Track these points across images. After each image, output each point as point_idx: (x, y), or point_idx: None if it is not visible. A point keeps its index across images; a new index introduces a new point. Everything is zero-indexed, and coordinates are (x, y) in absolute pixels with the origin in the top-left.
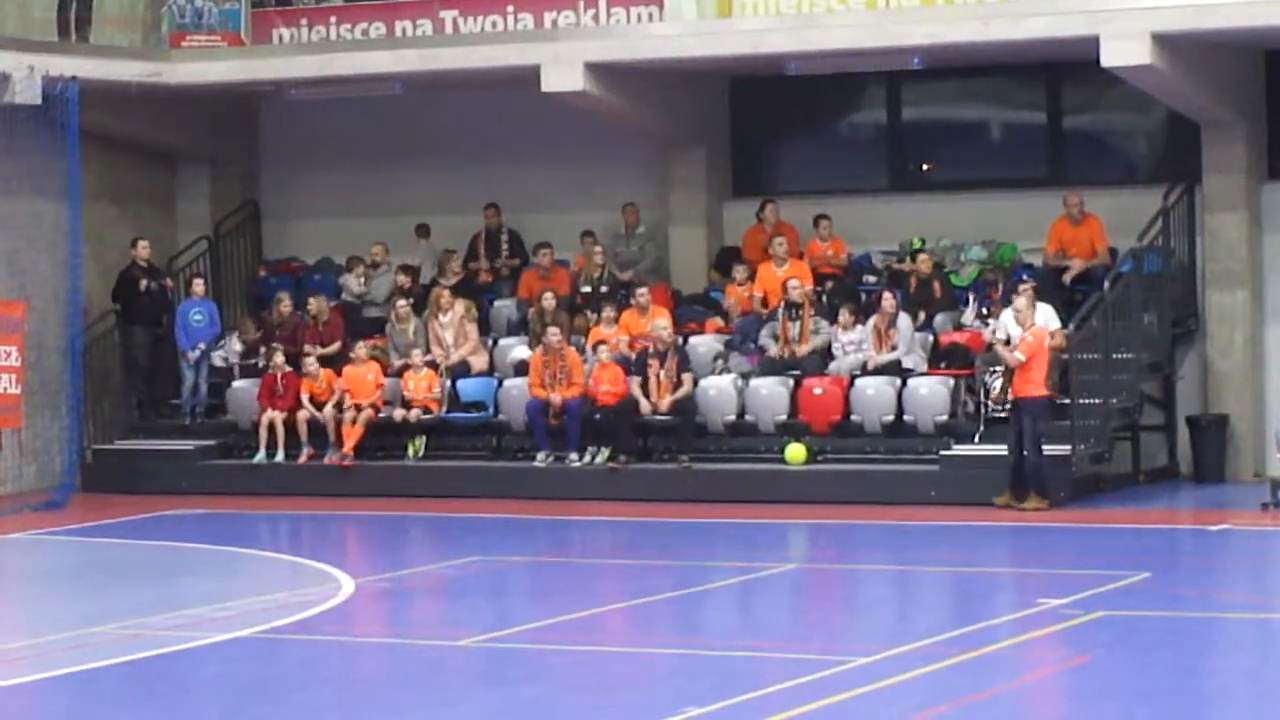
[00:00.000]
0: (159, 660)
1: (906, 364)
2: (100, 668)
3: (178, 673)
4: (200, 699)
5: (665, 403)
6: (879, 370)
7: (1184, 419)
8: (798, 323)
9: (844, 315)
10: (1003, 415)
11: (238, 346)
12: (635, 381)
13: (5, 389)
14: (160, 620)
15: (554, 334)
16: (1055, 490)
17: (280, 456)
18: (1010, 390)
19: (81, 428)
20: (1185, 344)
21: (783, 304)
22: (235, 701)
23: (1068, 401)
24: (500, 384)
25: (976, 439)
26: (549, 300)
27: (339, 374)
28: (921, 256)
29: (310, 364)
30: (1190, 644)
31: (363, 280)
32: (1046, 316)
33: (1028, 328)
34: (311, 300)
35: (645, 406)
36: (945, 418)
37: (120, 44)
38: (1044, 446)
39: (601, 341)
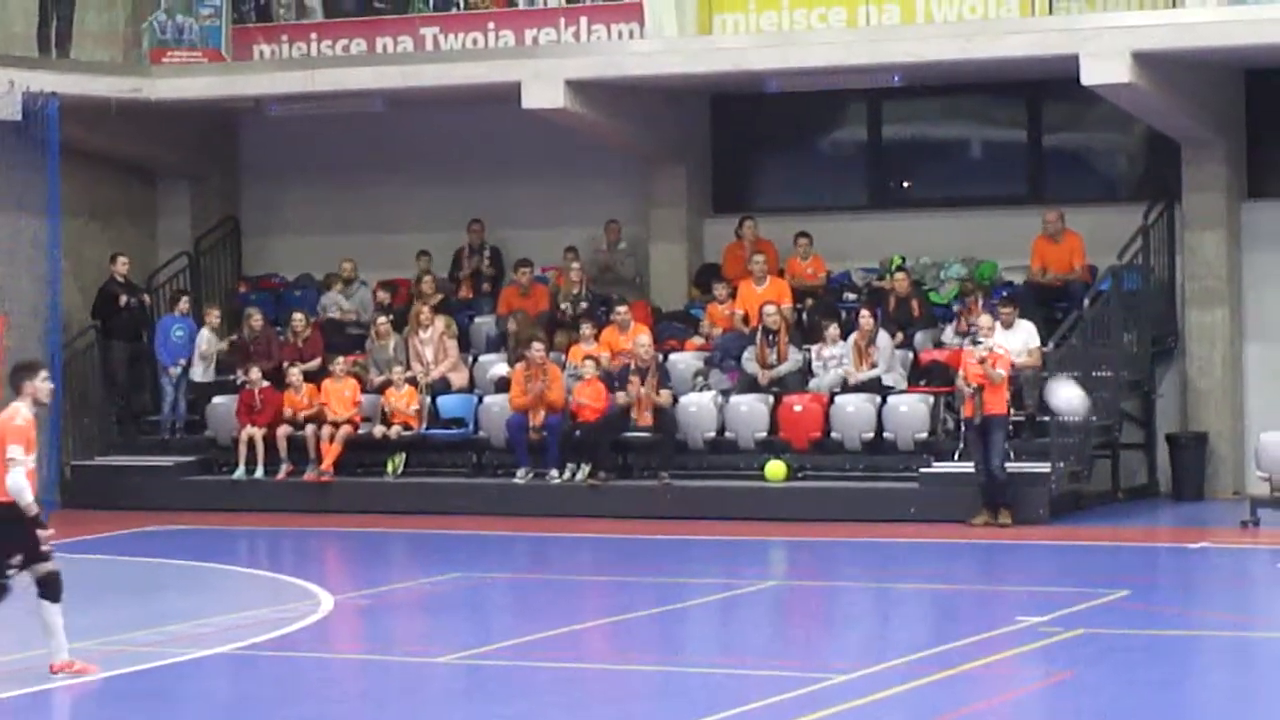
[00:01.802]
0: (139, 676)
1: (886, 381)
2: (80, 684)
3: (158, 689)
4: (180, 715)
5: (646, 420)
6: (859, 387)
7: (1164, 437)
8: (775, 349)
9: (828, 331)
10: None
11: (208, 336)
12: (617, 397)
13: None
14: (140, 636)
15: (537, 349)
16: (1034, 508)
17: (260, 473)
18: (977, 408)
19: (61, 443)
20: (1165, 362)
21: (760, 328)
22: (215, 718)
23: (1046, 419)
24: (480, 400)
25: (956, 456)
26: (532, 317)
27: (319, 389)
28: (901, 274)
29: (294, 376)
30: (1170, 661)
31: (346, 297)
32: (1027, 334)
33: (995, 345)
34: (296, 316)
35: (625, 424)
36: (925, 435)
37: (101, 60)
38: (1023, 464)
39: (585, 358)
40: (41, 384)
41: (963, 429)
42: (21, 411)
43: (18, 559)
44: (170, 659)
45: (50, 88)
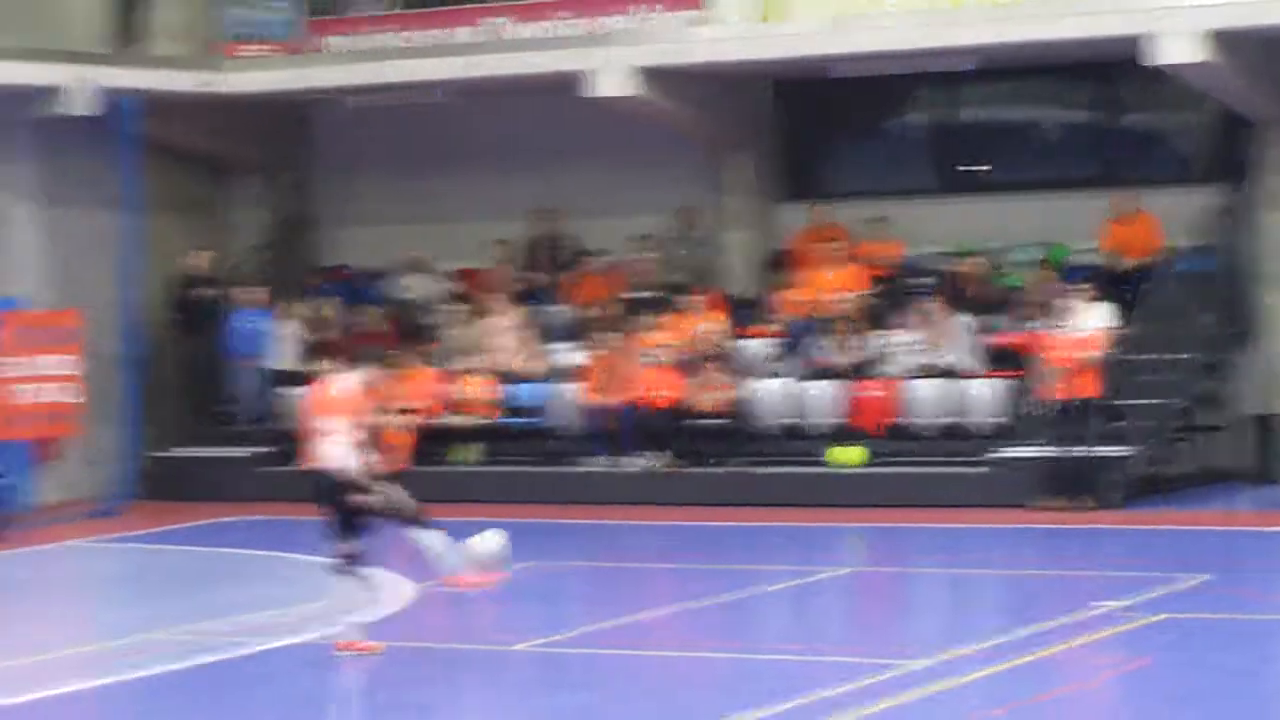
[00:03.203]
0: (216, 667)
1: (959, 366)
2: (157, 674)
3: (235, 679)
4: (257, 705)
5: (719, 407)
6: (932, 372)
7: (1244, 419)
8: (847, 334)
9: (899, 316)
10: (1054, 416)
11: (288, 330)
12: (690, 385)
13: (64, 398)
14: (217, 626)
15: (614, 340)
16: (1112, 492)
17: None
18: (1060, 391)
19: (139, 436)
20: (1244, 343)
21: (832, 314)
22: (292, 707)
23: (1124, 403)
24: (554, 389)
25: (1032, 440)
26: (604, 306)
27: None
28: (973, 258)
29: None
30: (1251, 647)
31: (417, 282)
32: (1102, 316)
33: (1078, 329)
34: (366, 310)
35: (698, 411)
36: (999, 419)
37: (175, 55)
38: (1100, 448)
39: (656, 346)
40: (376, 377)
41: (1044, 412)
42: (355, 387)
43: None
44: (248, 649)
45: (126, 83)
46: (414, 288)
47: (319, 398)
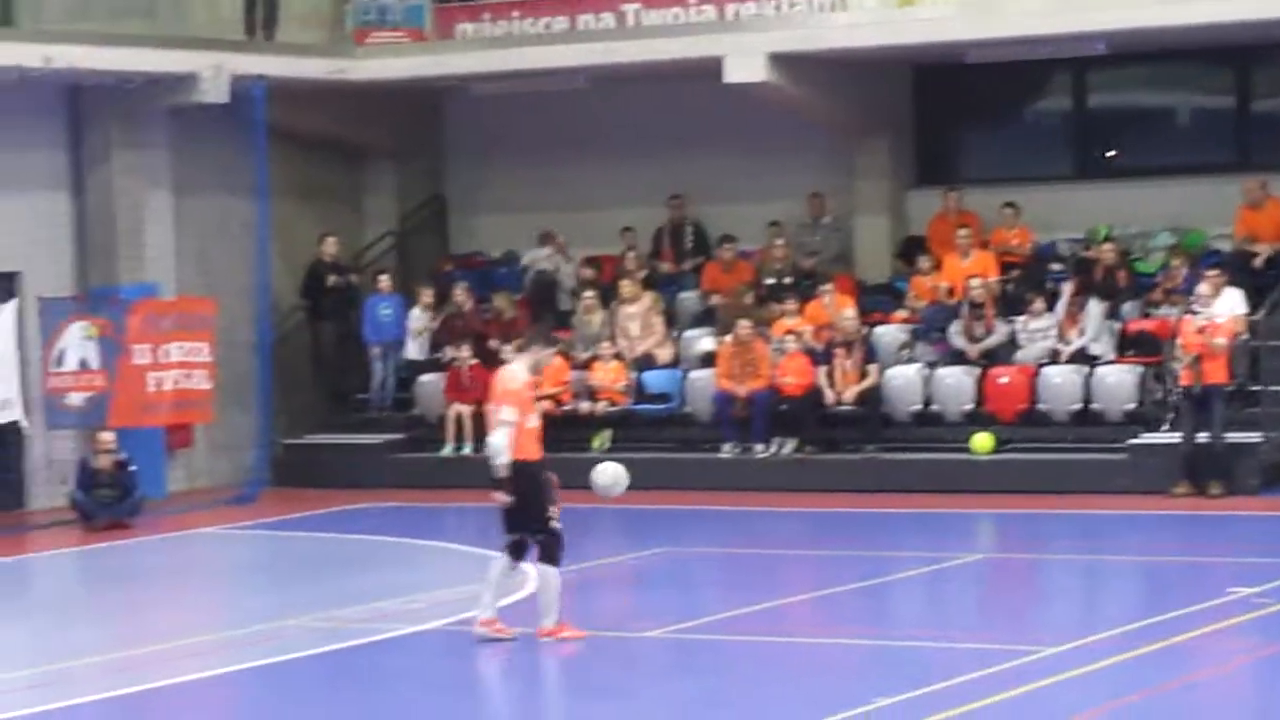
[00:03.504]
0: (350, 652)
1: (1094, 351)
2: (292, 660)
3: (368, 664)
4: (391, 690)
5: (851, 393)
6: (1067, 359)
7: None
8: (980, 321)
9: (1033, 303)
10: (1186, 403)
11: (418, 314)
12: (822, 371)
13: (197, 385)
14: (351, 613)
15: (745, 327)
16: (1245, 478)
17: (468, 449)
18: (1194, 377)
19: (271, 423)
20: None
21: (966, 300)
22: (425, 693)
23: (1257, 389)
24: (686, 376)
25: (1166, 427)
26: (736, 292)
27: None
28: (1108, 244)
29: (507, 355)
30: None
31: (548, 257)
32: (1234, 302)
33: (1211, 315)
34: (497, 297)
35: (830, 398)
36: (1133, 406)
37: (306, 42)
38: (1234, 434)
39: (788, 332)
40: (545, 355)
41: (1178, 398)
42: (520, 375)
43: (554, 510)
44: (381, 635)
45: (257, 71)
46: (544, 261)
47: (495, 385)
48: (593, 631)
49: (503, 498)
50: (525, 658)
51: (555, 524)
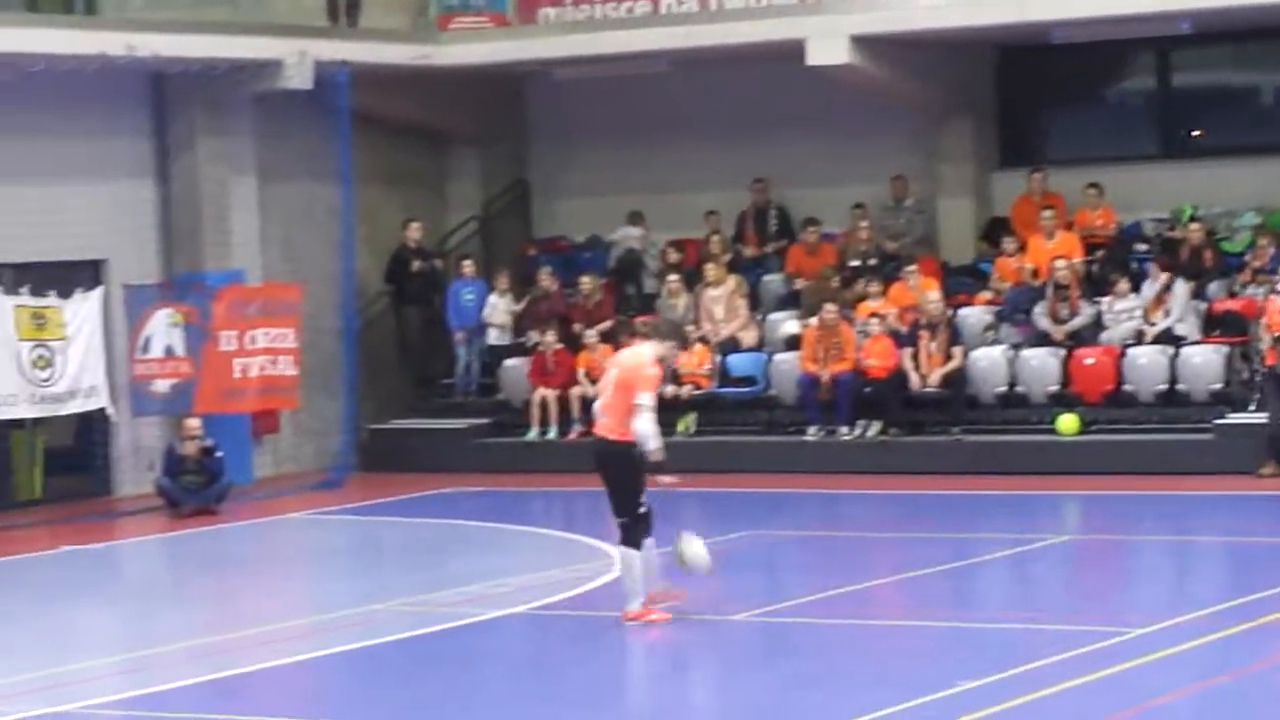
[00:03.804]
0: (437, 636)
1: (1179, 332)
2: (380, 644)
3: (456, 648)
4: (478, 674)
5: (936, 376)
6: (1152, 339)
7: None
8: (1065, 302)
9: (1116, 285)
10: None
11: (494, 302)
12: (906, 354)
13: (283, 371)
14: (438, 597)
15: (830, 310)
16: None
17: (553, 434)
18: (1276, 357)
19: (357, 408)
20: None
21: (1051, 282)
22: (512, 676)
23: None
24: (770, 359)
25: (1252, 407)
26: (820, 275)
27: (615, 351)
28: (1194, 224)
29: (591, 337)
30: None
31: (645, 238)
32: None
33: None
34: (584, 280)
35: (915, 380)
36: (1219, 386)
37: (389, 28)
38: None
39: (872, 315)
40: (672, 351)
41: (1264, 379)
42: (649, 360)
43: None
44: (468, 619)
45: (340, 56)
46: (633, 240)
47: (620, 365)
48: (679, 615)
49: (668, 479)
50: (612, 641)
51: (643, 509)
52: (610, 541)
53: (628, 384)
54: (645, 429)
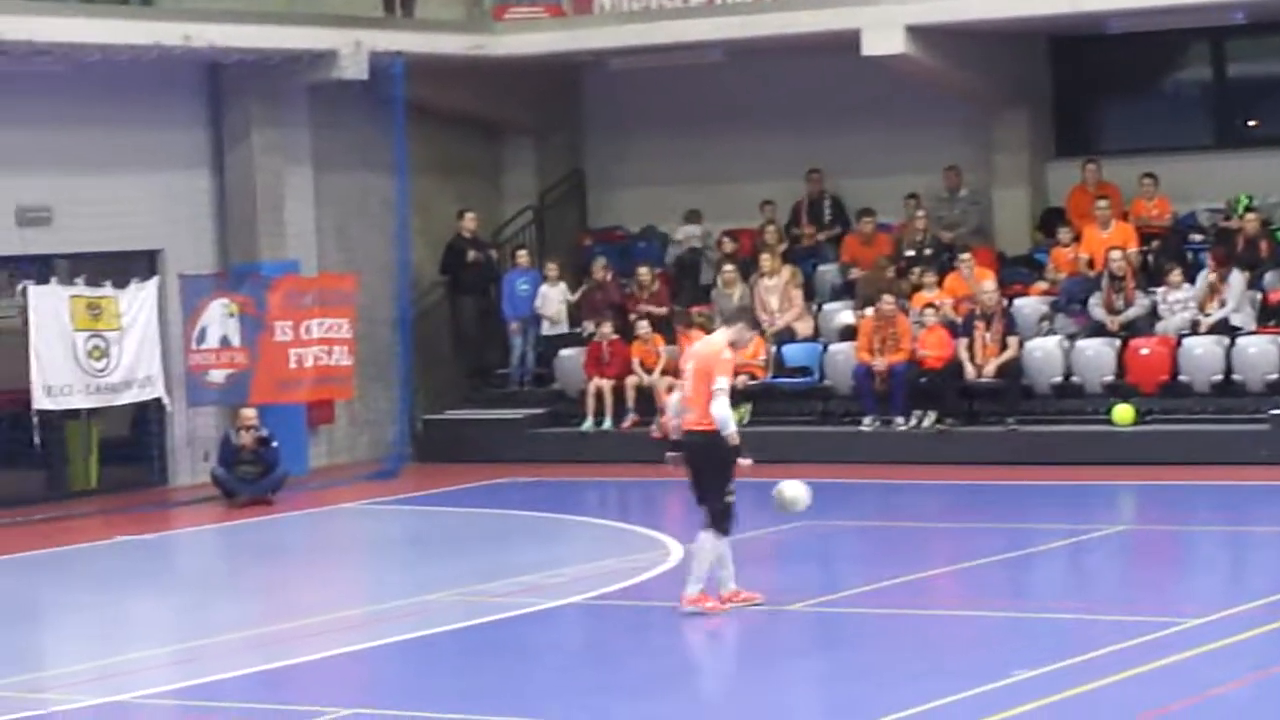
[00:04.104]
0: (493, 626)
1: (1235, 322)
2: (436, 634)
3: (512, 638)
4: (534, 664)
5: (991, 366)
6: (1207, 329)
7: None
8: (1121, 293)
9: (1172, 275)
10: None
11: (546, 292)
12: (962, 344)
13: (337, 361)
14: (493, 587)
15: (888, 301)
16: None
17: (608, 424)
18: None
19: (412, 398)
20: None
21: (1106, 272)
22: (568, 666)
23: None
24: (825, 349)
25: None
26: (875, 265)
27: (671, 341)
28: (1250, 214)
29: (643, 328)
30: None
31: (707, 237)
32: None
33: None
34: (641, 271)
35: (970, 370)
36: (1275, 376)
37: (444, 18)
38: None
39: (928, 305)
40: (747, 335)
41: None
42: (724, 346)
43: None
44: (525, 609)
45: (395, 47)
46: (696, 240)
47: (696, 353)
48: (734, 606)
49: (746, 462)
50: (667, 632)
51: (730, 498)
52: (667, 532)
53: (705, 372)
54: (721, 413)
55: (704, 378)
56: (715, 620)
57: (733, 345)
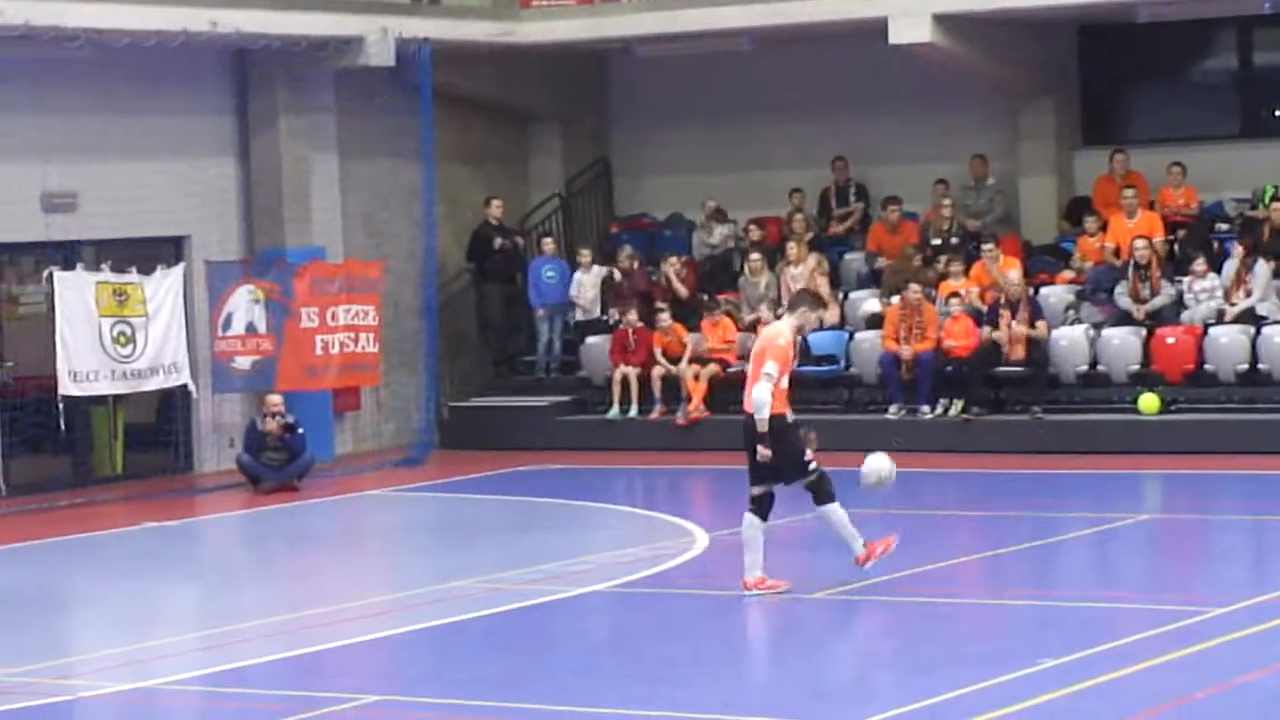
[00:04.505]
0: (518, 614)
1: (1261, 312)
2: (462, 621)
3: (537, 626)
4: (559, 652)
5: (1020, 351)
6: (1233, 319)
7: None
8: (1147, 282)
9: (1197, 264)
10: None
11: (580, 279)
12: (989, 330)
13: (364, 348)
14: (518, 574)
15: (915, 290)
16: None
17: (634, 412)
18: None
19: (438, 385)
20: None
21: (1132, 262)
22: (593, 654)
23: None
24: (851, 337)
25: None
26: (902, 254)
27: (696, 329)
28: (1275, 203)
29: (663, 319)
30: None
31: (708, 233)
32: None
33: None
34: (671, 259)
35: (1007, 347)
36: None
37: (471, 5)
38: None
39: (953, 294)
40: (814, 315)
41: None
42: (785, 332)
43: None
44: (550, 596)
45: (422, 34)
46: (716, 237)
47: (757, 343)
48: (760, 593)
49: (765, 451)
50: (691, 619)
51: (815, 465)
52: (693, 519)
53: (761, 355)
54: (760, 396)
55: (758, 362)
56: (737, 606)
57: (799, 331)
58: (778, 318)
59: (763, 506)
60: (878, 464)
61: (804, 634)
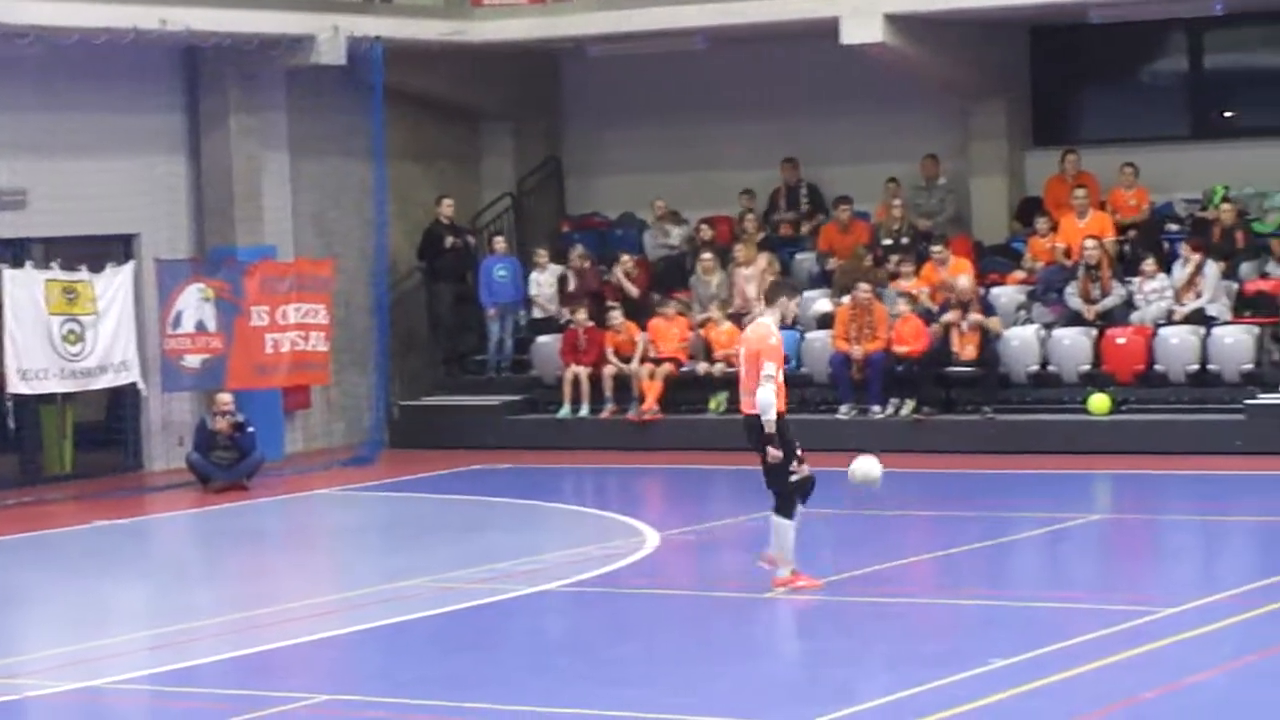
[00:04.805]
0: (469, 613)
1: (1211, 312)
2: (411, 620)
3: (487, 625)
4: (510, 651)
5: (971, 350)
6: (1183, 319)
7: None
8: (1097, 282)
9: (1147, 264)
10: None
11: (537, 278)
12: (939, 332)
13: (314, 347)
14: (469, 574)
15: (864, 289)
16: None
17: (585, 411)
18: None
19: (388, 384)
20: None
21: (1082, 262)
22: (545, 653)
23: None
24: (803, 337)
25: None
26: (852, 254)
27: (644, 328)
28: (1226, 204)
29: (614, 317)
30: None
31: (661, 235)
32: None
33: None
34: (624, 258)
35: (958, 349)
36: (1250, 367)
37: (423, 3)
38: None
39: (904, 293)
40: (792, 304)
41: None
42: (773, 330)
43: (796, 461)
44: (500, 596)
45: (374, 32)
46: (675, 238)
47: (747, 340)
48: (711, 592)
49: (776, 453)
50: (642, 619)
51: (796, 478)
52: (644, 519)
53: (755, 357)
54: (765, 399)
55: (755, 363)
56: (690, 605)
57: (781, 323)
58: (741, 315)
59: (804, 490)
60: (866, 467)
61: (756, 633)
